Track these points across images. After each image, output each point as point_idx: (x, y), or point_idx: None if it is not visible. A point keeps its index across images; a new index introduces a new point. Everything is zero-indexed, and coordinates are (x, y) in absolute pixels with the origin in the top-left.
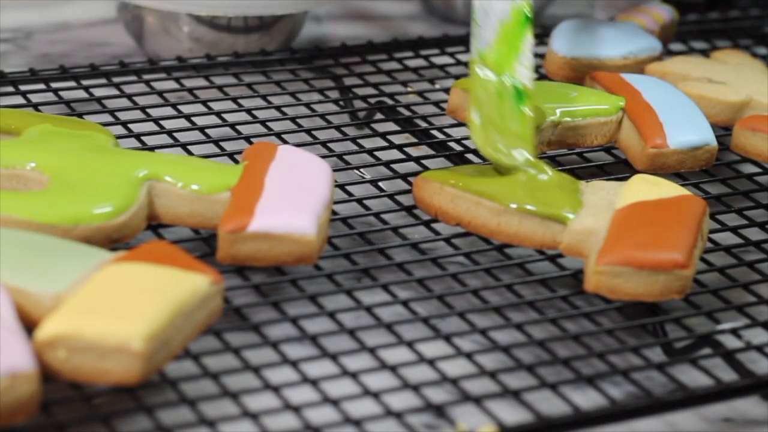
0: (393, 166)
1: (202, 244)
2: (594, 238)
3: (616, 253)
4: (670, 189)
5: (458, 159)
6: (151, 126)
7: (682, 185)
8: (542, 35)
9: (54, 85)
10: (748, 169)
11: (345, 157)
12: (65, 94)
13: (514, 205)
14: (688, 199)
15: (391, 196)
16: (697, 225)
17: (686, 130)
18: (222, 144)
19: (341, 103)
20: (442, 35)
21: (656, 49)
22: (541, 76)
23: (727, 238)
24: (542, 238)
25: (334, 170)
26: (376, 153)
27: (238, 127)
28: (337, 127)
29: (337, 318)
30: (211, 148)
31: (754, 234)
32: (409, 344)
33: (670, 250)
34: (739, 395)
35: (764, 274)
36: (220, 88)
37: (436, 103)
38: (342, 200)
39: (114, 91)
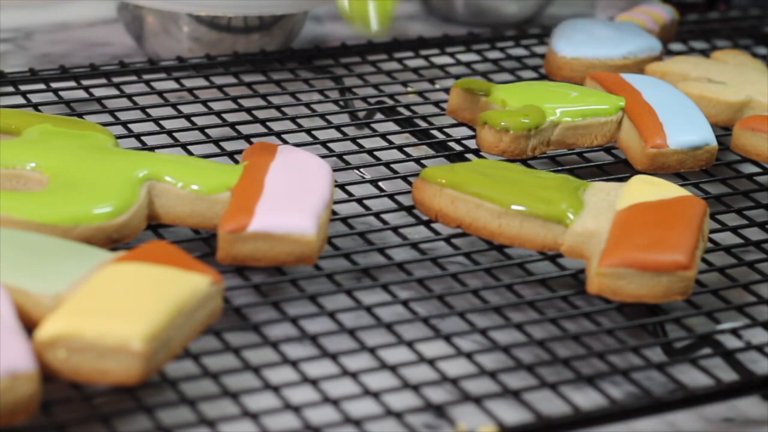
0: (393, 166)
1: (202, 244)
2: (595, 239)
3: (618, 255)
4: (671, 190)
5: (458, 159)
6: (151, 126)
7: (682, 185)
8: (542, 35)
9: (54, 85)
10: (748, 169)
11: (345, 157)
12: (65, 94)
13: (515, 207)
14: (689, 199)
15: (391, 196)
16: (698, 226)
17: (686, 130)
18: (222, 144)
19: (341, 103)
20: (442, 35)
21: (656, 49)
22: (541, 76)
23: (727, 238)
24: (543, 240)
25: (334, 170)
26: (376, 153)
27: (238, 127)
28: (337, 127)
29: (337, 318)
30: (211, 148)
31: (754, 234)
32: (409, 344)
33: (673, 251)
34: (739, 395)
35: (764, 274)
36: (220, 88)
37: (436, 103)
38: (342, 200)
39: (114, 91)
